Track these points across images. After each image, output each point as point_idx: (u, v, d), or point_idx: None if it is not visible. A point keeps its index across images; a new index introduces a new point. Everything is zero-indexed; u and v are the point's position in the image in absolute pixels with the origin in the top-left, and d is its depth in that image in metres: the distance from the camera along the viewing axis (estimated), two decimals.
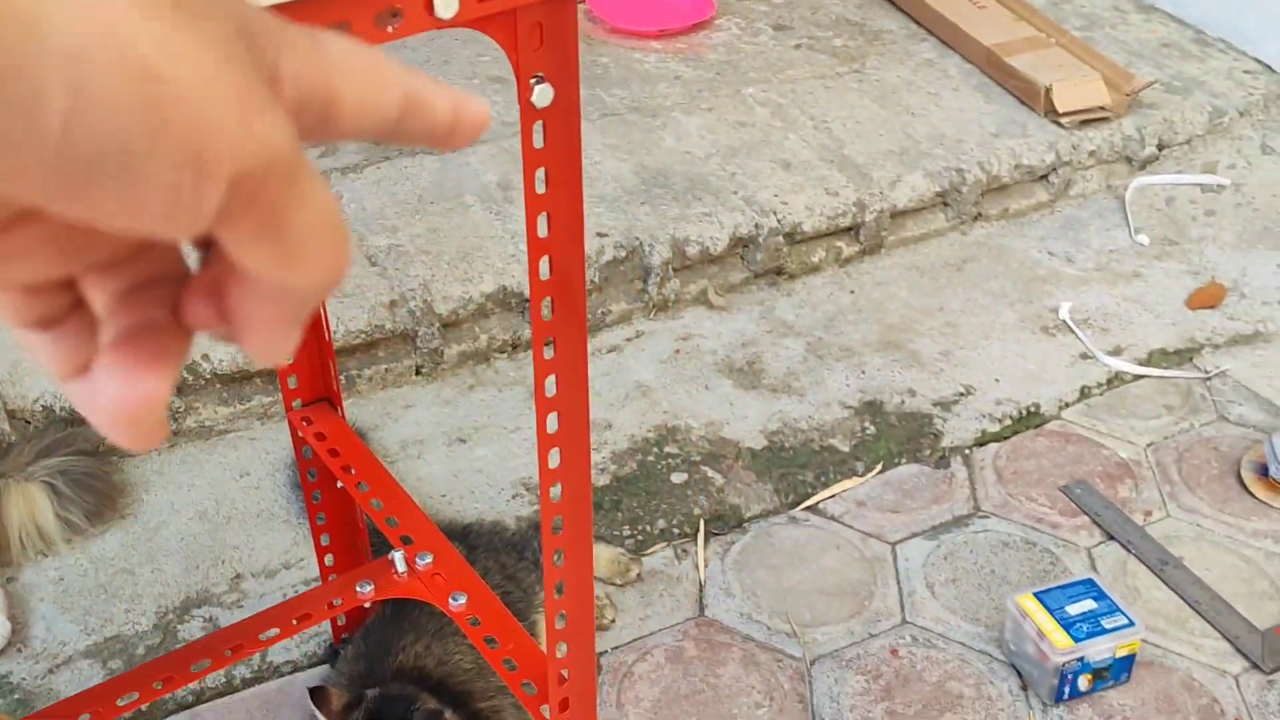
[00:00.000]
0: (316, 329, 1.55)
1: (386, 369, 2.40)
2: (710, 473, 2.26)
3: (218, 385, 2.28)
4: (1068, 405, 2.46)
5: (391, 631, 1.72)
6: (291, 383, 1.59)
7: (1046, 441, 2.37)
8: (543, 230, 0.98)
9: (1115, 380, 2.52)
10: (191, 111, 0.30)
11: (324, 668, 1.89)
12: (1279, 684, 1.92)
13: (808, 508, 2.21)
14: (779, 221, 2.69)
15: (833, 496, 2.24)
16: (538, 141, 0.94)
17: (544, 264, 1.00)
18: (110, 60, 0.28)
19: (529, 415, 2.32)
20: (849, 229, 2.81)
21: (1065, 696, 1.87)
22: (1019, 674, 1.92)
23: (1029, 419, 2.42)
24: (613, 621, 1.99)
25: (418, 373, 2.44)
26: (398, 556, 1.47)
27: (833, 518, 2.20)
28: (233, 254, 0.33)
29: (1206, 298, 2.75)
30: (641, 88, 3.13)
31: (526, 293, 2.45)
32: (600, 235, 2.57)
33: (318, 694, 1.52)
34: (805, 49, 3.36)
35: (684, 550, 2.12)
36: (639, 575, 2.06)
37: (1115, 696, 1.89)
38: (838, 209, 2.76)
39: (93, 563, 2.05)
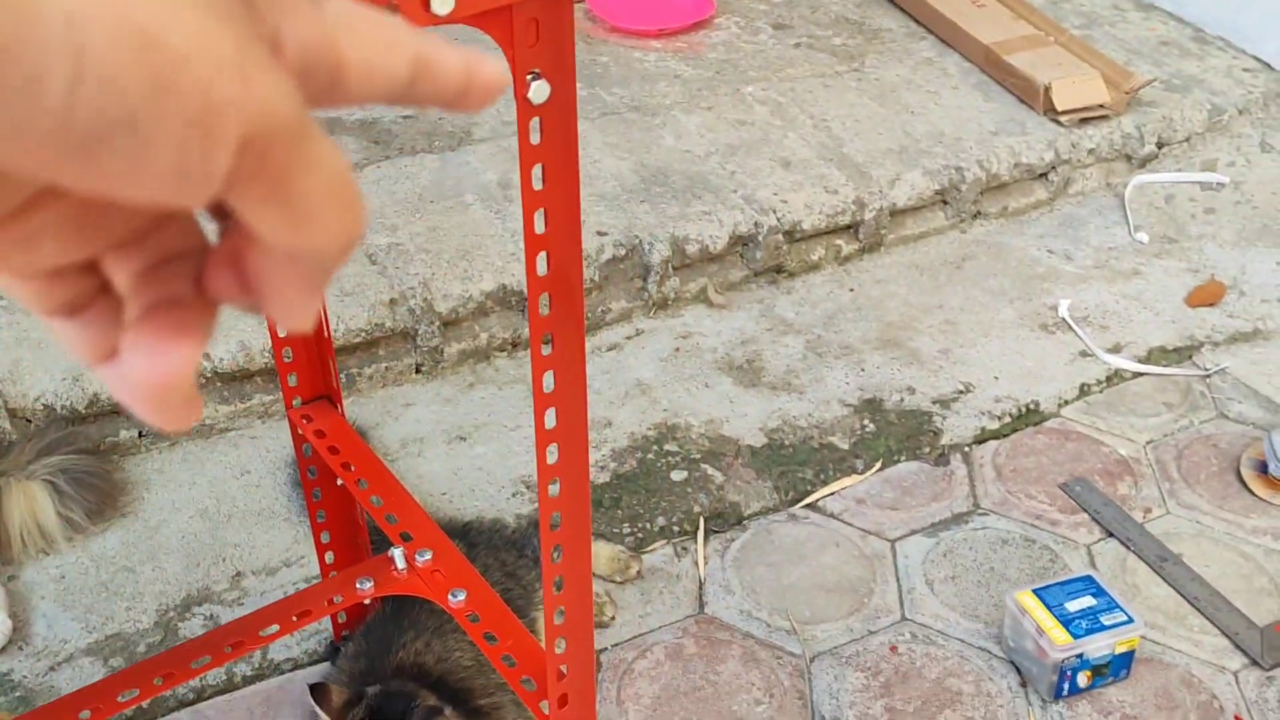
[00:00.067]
0: (316, 326, 1.56)
1: (387, 367, 2.40)
2: (710, 470, 2.26)
3: (218, 384, 2.28)
4: (1067, 403, 2.46)
5: (392, 629, 1.72)
6: (291, 380, 1.59)
7: (1046, 439, 2.37)
8: (540, 226, 0.98)
9: (1115, 378, 2.52)
10: (195, 75, 0.29)
11: (324, 665, 1.90)
12: (1278, 680, 1.92)
13: (807, 505, 2.22)
14: (778, 220, 2.70)
15: (832, 494, 2.24)
16: (534, 138, 0.94)
17: (541, 260, 1.00)
18: (109, 29, 0.28)
19: (529, 413, 2.33)
20: (848, 227, 2.82)
21: (1064, 693, 1.87)
22: (1018, 671, 1.92)
23: (1028, 416, 2.43)
24: (612, 619, 1.99)
25: (418, 371, 2.44)
26: (397, 553, 1.47)
27: (832, 515, 2.20)
28: (245, 220, 0.34)
29: (1206, 295, 2.75)
30: (641, 86, 3.13)
31: (526, 290, 2.45)
32: (600, 234, 2.57)
33: (318, 691, 1.52)
34: (805, 48, 3.36)
35: (684, 548, 2.13)
36: (639, 573, 2.06)
37: (1114, 693, 1.89)
38: (837, 207, 2.76)
39: (94, 561, 2.05)
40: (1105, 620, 1.86)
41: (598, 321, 2.59)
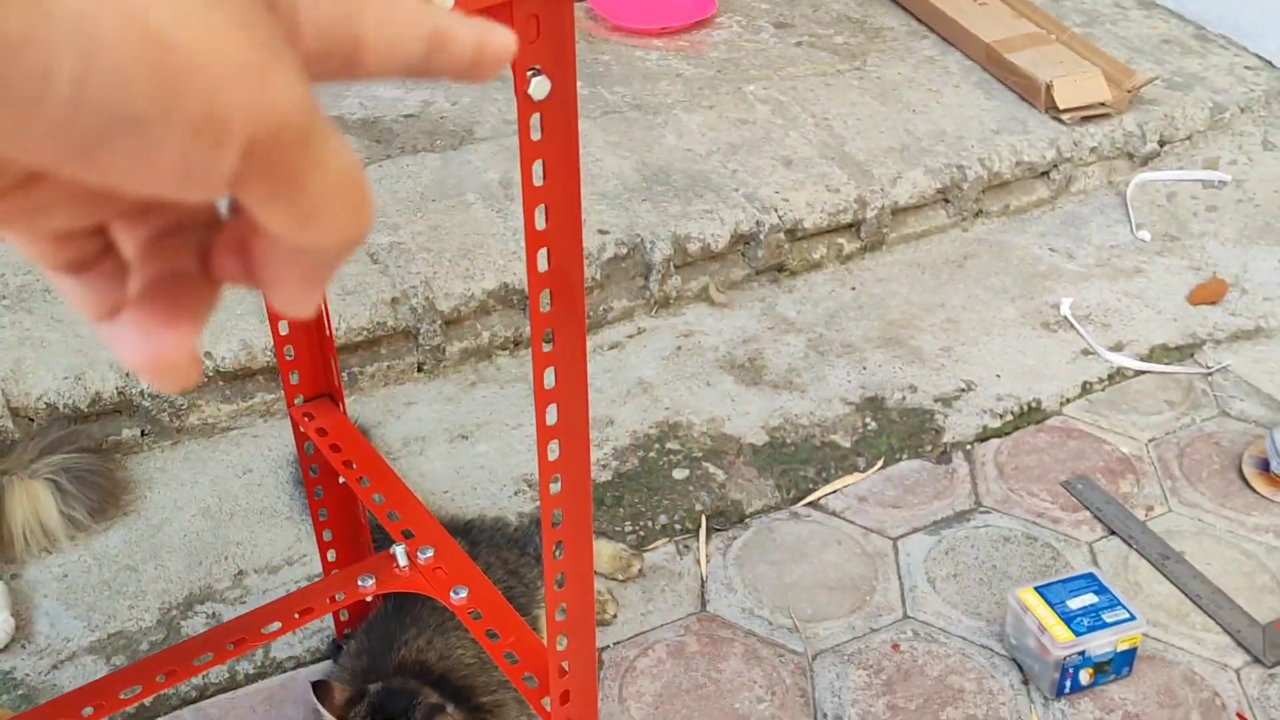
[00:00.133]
0: (318, 324, 1.56)
1: (389, 366, 2.41)
2: (712, 469, 2.26)
3: (220, 382, 2.28)
4: (1069, 401, 2.46)
5: (394, 627, 1.72)
6: (293, 378, 1.60)
7: (1048, 437, 2.37)
8: (541, 223, 0.99)
9: (1117, 376, 2.52)
10: (203, 77, 0.29)
11: (327, 663, 1.90)
12: None
13: (809, 503, 2.22)
14: (780, 218, 2.70)
15: (834, 492, 2.24)
16: (535, 134, 0.94)
17: (542, 256, 1.00)
18: (119, 28, 0.28)
19: (531, 412, 2.32)
20: (850, 226, 2.82)
21: (1066, 690, 1.87)
22: (1020, 668, 1.92)
23: (1030, 414, 2.43)
24: (614, 617, 1.99)
25: (420, 370, 2.45)
26: (399, 551, 1.48)
27: (834, 513, 2.20)
28: (251, 213, 0.34)
29: (1208, 293, 2.75)
30: (643, 85, 3.13)
31: (527, 288, 2.45)
32: (602, 232, 2.57)
33: (321, 688, 1.52)
34: (806, 46, 3.37)
35: (686, 546, 2.13)
36: (641, 571, 2.06)
37: (1116, 690, 1.89)
38: (839, 206, 2.76)
39: (96, 559, 2.05)
40: (1107, 618, 1.86)
41: (599, 320, 2.59)
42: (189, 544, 2.09)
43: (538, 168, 0.96)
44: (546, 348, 1.06)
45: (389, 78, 0.37)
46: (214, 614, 1.97)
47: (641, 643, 1.96)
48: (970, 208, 2.94)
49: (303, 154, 0.32)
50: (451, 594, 1.44)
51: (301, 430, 1.62)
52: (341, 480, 1.61)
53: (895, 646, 1.96)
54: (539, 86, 0.90)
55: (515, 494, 2.20)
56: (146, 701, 1.81)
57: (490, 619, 1.42)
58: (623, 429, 2.34)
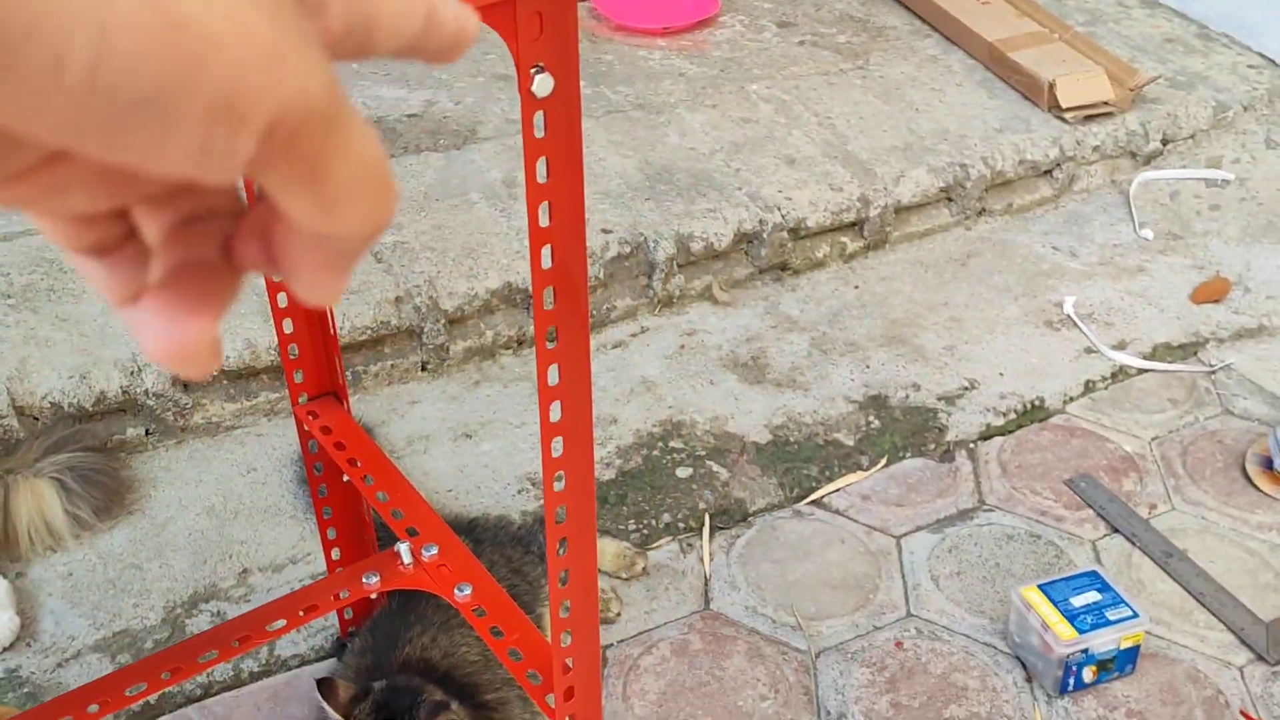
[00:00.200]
0: (322, 323, 1.56)
1: (392, 365, 2.41)
2: (715, 467, 2.26)
3: (224, 382, 2.29)
4: (1072, 399, 2.46)
5: (398, 624, 1.73)
6: (298, 377, 1.60)
7: (1051, 435, 2.37)
8: (544, 220, 0.99)
9: (1120, 374, 2.53)
10: (223, 59, 0.29)
11: (331, 661, 1.90)
12: None
13: (812, 502, 2.22)
14: (783, 217, 2.70)
15: (837, 490, 2.24)
16: (538, 131, 0.94)
17: (546, 253, 1.00)
18: (137, 11, 0.28)
19: (534, 411, 2.32)
20: (853, 224, 2.82)
21: (1070, 688, 1.87)
22: (1024, 666, 1.92)
23: (1033, 413, 2.43)
24: (618, 615, 1.99)
25: (423, 369, 2.45)
26: (404, 548, 1.48)
27: (837, 511, 2.20)
28: (273, 199, 0.33)
29: (1211, 292, 2.75)
30: (646, 85, 3.14)
31: (531, 286, 2.46)
32: (605, 231, 2.57)
33: (325, 686, 1.53)
34: (809, 45, 3.37)
35: (689, 544, 2.13)
36: (644, 569, 2.07)
37: (1120, 688, 1.89)
38: (842, 204, 2.76)
39: (101, 558, 2.06)
40: (1110, 615, 1.86)
41: (603, 319, 2.59)
42: (193, 542, 2.09)
43: (541, 165, 0.96)
44: (550, 345, 1.06)
45: (381, 57, 0.37)
46: (219, 612, 1.98)
47: (645, 641, 1.96)
48: (973, 206, 2.95)
49: (325, 139, 0.32)
50: (456, 591, 1.44)
51: (306, 428, 1.62)
52: (345, 478, 1.62)
53: (899, 644, 1.97)
54: (542, 84, 0.91)
55: (519, 492, 2.20)
56: (152, 699, 1.81)
57: (495, 616, 1.42)
58: (626, 427, 2.35)
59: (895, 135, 2.97)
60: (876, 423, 2.38)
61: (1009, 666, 1.93)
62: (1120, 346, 2.59)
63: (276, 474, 2.22)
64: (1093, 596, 1.89)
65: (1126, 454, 2.33)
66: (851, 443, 2.34)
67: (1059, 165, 3.02)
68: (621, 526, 2.15)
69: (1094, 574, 1.93)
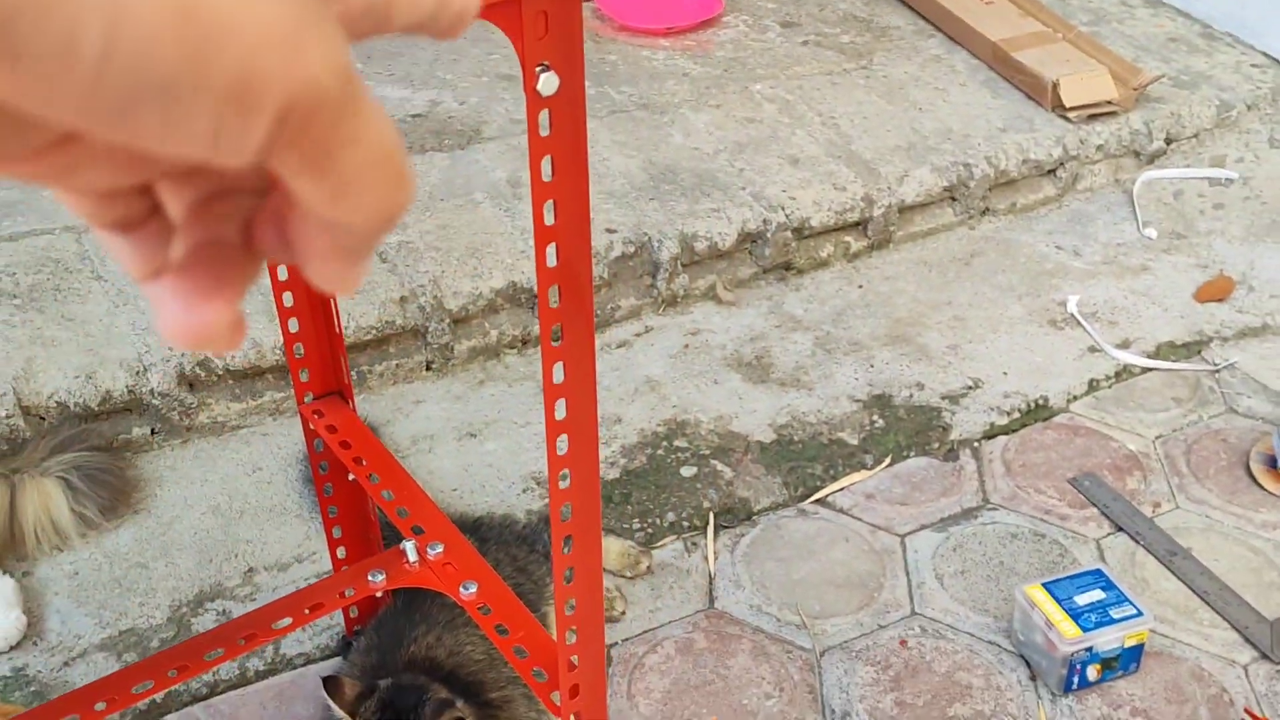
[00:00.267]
0: (327, 321, 1.57)
1: (397, 364, 2.42)
2: (720, 466, 2.27)
3: (230, 381, 2.29)
4: (1076, 398, 2.46)
5: (403, 623, 1.73)
6: (303, 376, 1.60)
7: (1055, 434, 2.37)
8: (550, 218, 0.99)
9: (1123, 373, 2.53)
10: (235, 44, 0.29)
11: (337, 660, 1.91)
12: None
13: (817, 501, 2.22)
14: (787, 217, 2.70)
15: (842, 489, 2.25)
16: (544, 130, 0.95)
17: (551, 251, 1.01)
18: None
19: (539, 410, 2.34)
20: (857, 224, 2.82)
21: (1074, 686, 1.87)
22: (1028, 664, 1.93)
23: (1037, 412, 2.43)
24: (623, 614, 2.00)
25: (428, 368, 2.45)
26: (409, 546, 1.48)
27: (842, 510, 2.21)
28: (286, 184, 0.33)
29: (1214, 291, 2.75)
30: (650, 85, 3.14)
31: (536, 288, 2.46)
32: (609, 231, 2.58)
33: (331, 683, 1.53)
34: (813, 45, 3.37)
35: (694, 543, 2.13)
36: (649, 568, 2.07)
37: (1124, 686, 1.89)
38: (846, 204, 2.77)
39: (107, 557, 2.06)
40: (1114, 614, 1.87)
41: (607, 319, 2.60)
42: (199, 542, 2.10)
43: (546, 163, 0.96)
44: (555, 343, 1.06)
45: (399, 33, 0.37)
46: (224, 611, 1.98)
47: (650, 639, 1.96)
48: (977, 206, 2.95)
49: (337, 125, 0.32)
50: (461, 589, 1.45)
51: (311, 427, 1.63)
52: (351, 477, 1.62)
53: (903, 643, 1.97)
54: (548, 82, 0.91)
55: (523, 491, 2.20)
56: (158, 697, 1.82)
57: (500, 614, 1.42)
58: (631, 427, 2.35)
59: (899, 135, 2.98)
60: (880, 422, 2.39)
61: (1013, 665, 1.93)
62: (1124, 345, 2.59)
63: (282, 473, 2.22)
64: (1097, 595, 1.89)
65: (1130, 453, 2.33)
66: (856, 442, 2.34)
67: (1062, 164, 3.02)
68: (626, 525, 2.15)
69: (1098, 572, 1.93)
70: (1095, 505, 2.21)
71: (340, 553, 1.79)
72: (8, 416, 2.10)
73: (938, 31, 3.44)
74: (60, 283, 2.36)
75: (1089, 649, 1.84)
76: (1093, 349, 2.58)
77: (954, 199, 2.93)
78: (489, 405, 2.40)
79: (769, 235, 2.69)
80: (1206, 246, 2.91)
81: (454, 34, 0.40)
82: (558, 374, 1.08)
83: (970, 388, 2.47)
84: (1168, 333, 2.63)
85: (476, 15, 0.40)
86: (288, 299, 1.52)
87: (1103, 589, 1.90)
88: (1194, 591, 2.05)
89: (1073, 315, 2.67)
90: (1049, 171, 3.03)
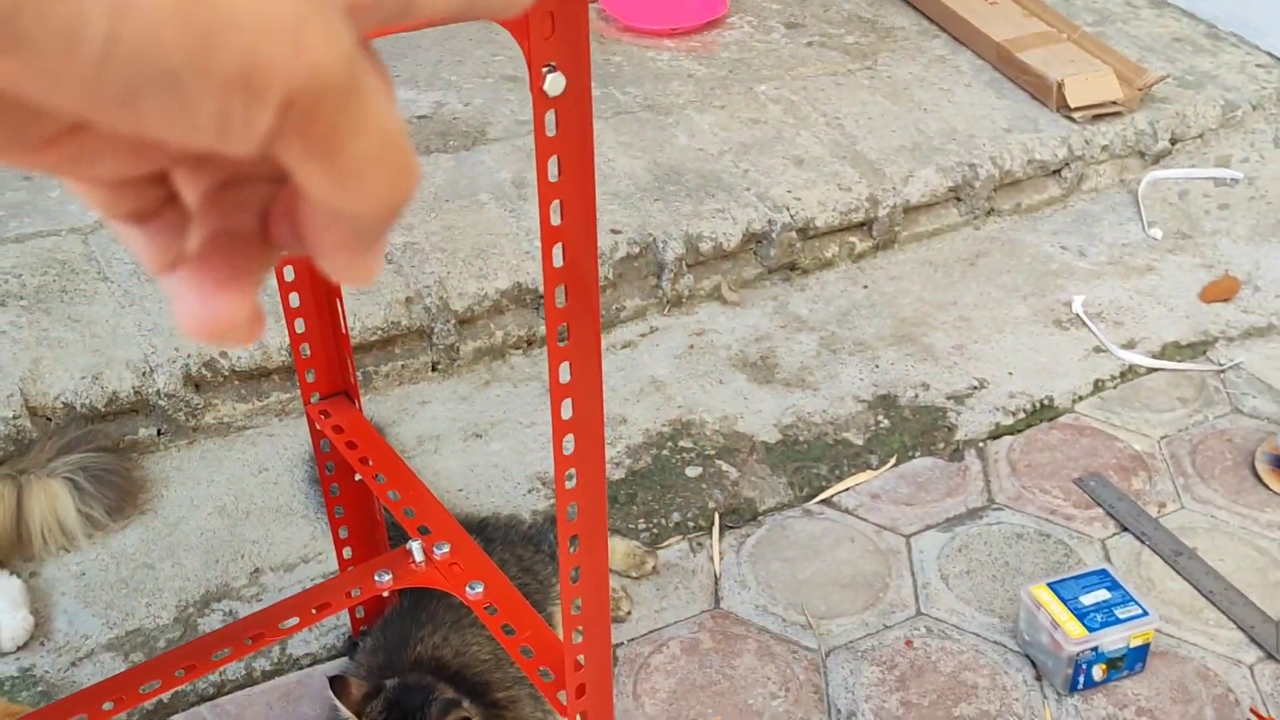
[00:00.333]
0: (334, 322, 1.57)
1: (403, 365, 2.42)
2: (725, 466, 2.27)
3: (236, 382, 2.30)
4: (1081, 398, 2.46)
5: (409, 623, 1.74)
6: (309, 376, 1.61)
7: (1060, 434, 2.37)
8: (556, 218, 1.00)
9: (1129, 373, 2.53)
10: (239, 33, 0.29)
11: (343, 660, 1.91)
12: None
13: (822, 501, 2.22)
14: (792, 217, 2.70)
15: (847, 490, 2.25)
16: (550, 130, 0.95)
17: (557, 251, 1.01)
18: None
19: (544, 411, 2.34)
20: (862, 224, 2.82)
21: (1079, 686, 1.87)
22: (1033, 664, 1.93)
23: (1042, 412, 2.43)
24: (628, 614, 2.00)
25: (434, 369, 2.46)
26: (415, 546, 1.49)
27: (847, 511, 2.21)
28: (291, 173, 0.33)
29: (1220, 291, 2.75)
30: (654, 86, 3.14)
31: (541, 289, 2.47)
32: (614, 232, 2.58)
33: (338, 683, 1.53)
34: (817, 46, 3.37)
35: (699, 543, 2.14)
36: (654, 568, 2.07)
37: (1130, 686, 1.89)
38: (850, 204, 2.77)
39: (114, 557, 2.07)
40: (1120, 614, 1.87)
41: (612, 319, 2.60)
42: (205, 542, 2.10)
43: (553, 163, 0.97)
44: (562, 343, 1.07)
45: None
46: (231, 611, 1.99)
47: (656, 639, 1.97)
48: (982, 206, 2.95)
49: (342, 113, 0.32)
50: (468, 589, 1.45)
51: (318, 427, 1.63)
52: (357, 477, 1.62)
53: (909, 643, 1.97)
54: (554, 83, 0.91)
55: (529, 492, 2.21)
56: (165, 697, 1.82)
57: (506, 613, 1.42)
58: (636, 427, 2.35)
59: (903, 135, 2.98)
60: (886, 422, 2.39)
61: (1019, 665, 1.93)
62: (1129, 345, 2.59)
63: (288, 474, 2.23)
64: (1102, 595, 1.89)
65: (1136, 453, 2.33)
66: (861, 442, 2.34)
67: (1067, 165, 3.02)
68: (631, 526, 2.15)
69: (1103, 572, 1.93)
70: (1100, 505, 2.21)
71: (346, 553, 1.79)
72: (15, 417, 2.11)
73: (942, 32, 3.44)
74: (67, 284, 2.36)
75: (1094, 649, 1.84)
76: (1098, 349, 2.58)
77: (959, 199, 2.93)
78: (494, 406, 2.40)
79: (774, 236, 2.69)
80: (1212, 246, 2.91)
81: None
82: (564, 374, 1.09)
83: (975, 388, 2.47)
84: (1173, 333, 2.63)
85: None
86: (294, 299, 1.53)
87: (1108, 589, 1.90)
88: (1199, 591, 2.05)
89: (1078, 315, 2.67)
90: (1054, 172, 3.03)
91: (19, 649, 1.91)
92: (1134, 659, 1.89)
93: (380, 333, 2.37)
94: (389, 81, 0.38)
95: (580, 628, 1.29)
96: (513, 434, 2.33)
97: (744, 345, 2.57)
